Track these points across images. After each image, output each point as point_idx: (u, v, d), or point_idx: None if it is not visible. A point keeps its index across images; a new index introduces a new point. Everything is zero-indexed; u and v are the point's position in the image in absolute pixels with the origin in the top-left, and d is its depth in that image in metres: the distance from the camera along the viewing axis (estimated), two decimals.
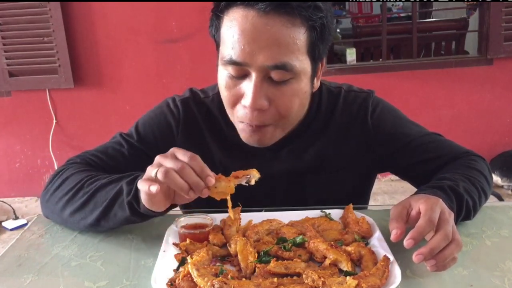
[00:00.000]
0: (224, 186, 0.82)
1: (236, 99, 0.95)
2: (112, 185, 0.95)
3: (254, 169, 0.85)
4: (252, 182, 0.85)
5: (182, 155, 0.81)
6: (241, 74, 0.92)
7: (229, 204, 0.85)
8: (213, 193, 0.82)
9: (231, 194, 0.84)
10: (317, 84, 1.04)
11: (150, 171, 0.82)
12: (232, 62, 0.91)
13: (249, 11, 0.88)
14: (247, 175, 0.84)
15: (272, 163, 1.11)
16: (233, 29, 0.90)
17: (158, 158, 0.83)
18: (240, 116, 0.97)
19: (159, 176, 0.79)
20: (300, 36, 0.90)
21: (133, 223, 0.96)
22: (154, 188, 0.79)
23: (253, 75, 0.91)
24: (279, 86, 0.93)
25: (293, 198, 1.11)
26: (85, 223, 0.98)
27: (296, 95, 0.95)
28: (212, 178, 0.80)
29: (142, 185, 0.82)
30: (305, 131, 1.10)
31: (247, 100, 0.92)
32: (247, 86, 0.92)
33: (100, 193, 0.95)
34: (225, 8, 0.92)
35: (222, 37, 0.94)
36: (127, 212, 0.91)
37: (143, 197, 0.85)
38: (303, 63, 0.93)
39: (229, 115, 1.01)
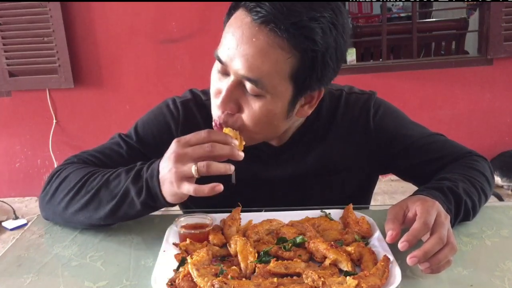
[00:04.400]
0: (238, 138, 0.90)
1: (218, 93, 0.96)
2: (114, 182, 0.95)
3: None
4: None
5: (198, 136, 0.84)
6: (225, 71, 0.93)
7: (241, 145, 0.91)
8: None
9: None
10: (307, 111, 1.00)
11: (185, 169, 0.83)
12: (217, 58, 0.93)
13: (247, 17, 0.88)
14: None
15: (274, 166, 1.11)
16: (229, 28, 0.91)
17: (180, 155, 0.83)
18: (213, 112, 0.98)
19: (204, 171, 0.81)
20: (282, 59, 0.87)
21: (143, 216, 0.98)
22: (220, 187, 0.82)
23: (231, 77, 0.91)
24: (251, 97, 0.92)
25: (295, 201, 1.10)
26: (90, 221, 0.98)
27: (264, 113, 0.92)
28: (234, 139, 0.86)
29: (188, 188, 0.83)
30: (306, 134, 1.10)
31: (218, 99, 0.93)
32: (225, 85, 0.93)
33: (103, 192, 0.95)
34: (237, 6, 0.92)
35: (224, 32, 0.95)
36: (139, 210, 0.93)
37: (175, 196, 0.87)
38: (280, 86, 0.90)
39: (212, 106, 1.00)
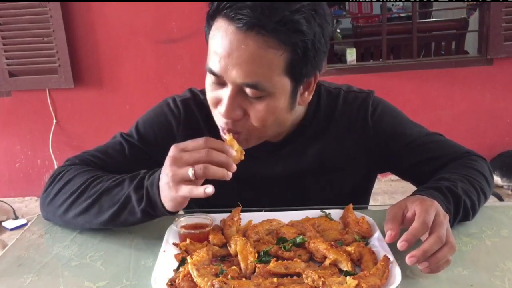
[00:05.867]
0: (238, 149, 0.87)
1: (216, 102, 0.96)
2: (117, 189, 0.95)
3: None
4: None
5: (196, 143, 0.83)
6: (220, 82, 0.93)
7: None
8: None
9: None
10: (308, 97, 1.01)
11: (182, 172, 0.81)
12: (210, 71, 0.92)
13: (230, 25, 0.88)
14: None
15: (273, 164, 1.11)
16: (215, 39, 0.91)
17: (176, 158, 0.82)
18: (217, 120, 0.99)
19: (200, 174, 0.80)
20: (275, 57, 0.88)
21: (143, 222, 0.97)
22: (210, 189, 0.79)
23: (229, 86, 0.91)
24: (253, 100, 0.93)
25: (294, 199, 1.10)
26: (90, 225, 0.99)
27: (270, 111, 0.94)
28: (232, 150, 0.85)
29: (184, 190, 0.81)
30: (304, 132, 1.10)
31: (222, 108, 0.93)
32: (224, 95, 0.93)
33: (105, 197, 0.95)
34: (214, 16, 0.92)
35: (208, 44, 0.94)
36: (139, 218, 0.92)
37: (173, 201, 0.85)
38: (279, 83, 0.91)
39: (213, 115, 1.01)
